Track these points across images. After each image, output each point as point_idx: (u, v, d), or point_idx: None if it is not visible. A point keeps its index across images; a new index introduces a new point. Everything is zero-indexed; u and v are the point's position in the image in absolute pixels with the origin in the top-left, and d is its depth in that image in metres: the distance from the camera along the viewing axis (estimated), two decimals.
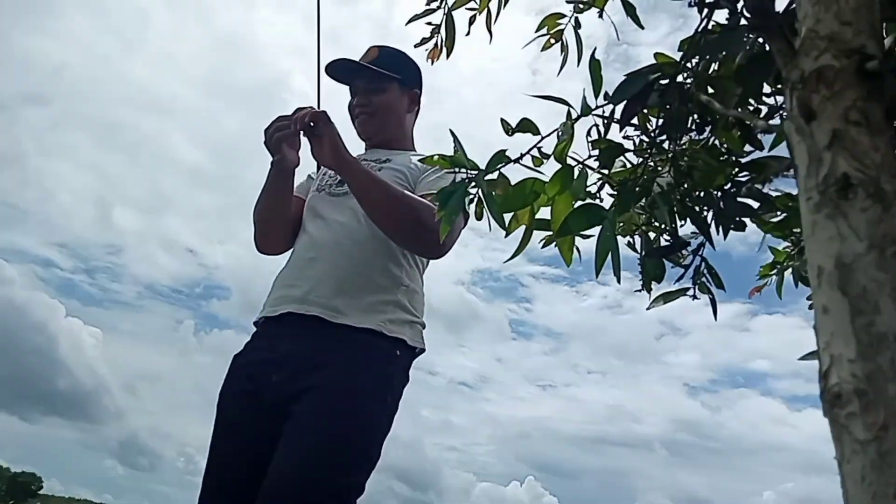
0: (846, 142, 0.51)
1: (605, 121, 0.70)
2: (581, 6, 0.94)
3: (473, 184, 0.69)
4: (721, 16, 0.83)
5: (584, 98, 0.69)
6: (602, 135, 0.71)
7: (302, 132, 1.36)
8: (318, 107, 1.42)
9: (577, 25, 0.95)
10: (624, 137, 0.78)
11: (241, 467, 1.29)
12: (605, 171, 0.70)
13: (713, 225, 0.93)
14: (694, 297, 0.95)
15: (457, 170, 0.70)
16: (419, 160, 1.47)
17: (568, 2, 0.95)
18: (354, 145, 1.61)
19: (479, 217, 0.70)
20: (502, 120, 0.67)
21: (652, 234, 0.90)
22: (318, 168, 1.60)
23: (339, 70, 1.57)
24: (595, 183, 0.80)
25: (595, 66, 0.70)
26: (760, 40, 0.72)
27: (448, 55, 0.95)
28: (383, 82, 1.55)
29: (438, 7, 0.86)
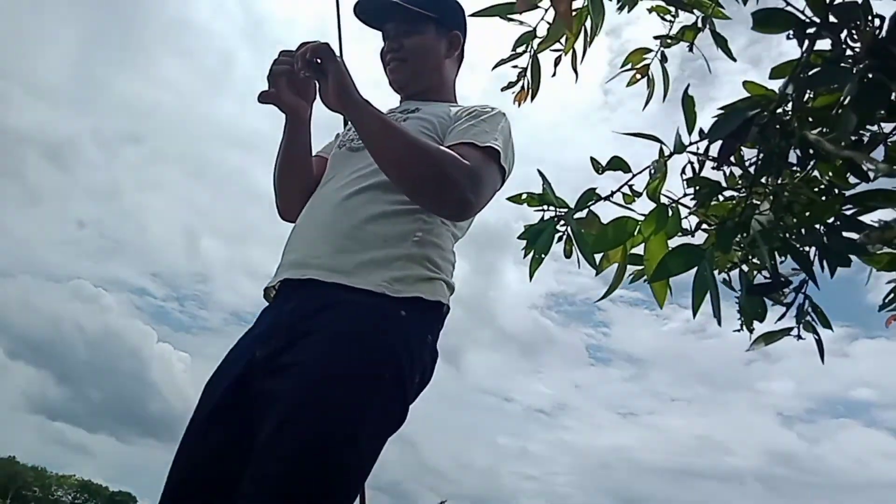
0: None
1: (700, 158, 0.68)
2: (669, 41, 0.93)
3: (562, 221, 0.69)
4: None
5: (678, 135, 0.68)
6: (696, 172, 0.69)
7: (306, 73, 1.15)
8: (341, 53, 1.20)
9: (664, 59, 0.94)
10: (713, 168, 0.76)
11: (209, 464, 1.03)
12: (702, 210, 0.68)
13: (816, 261, 0.88)
14: (798, 337, 0.89)
15: (545, 207, 0.70)
16: (460, 112, 1.24)
17: (655, 38, 0.94)
18: (390, 100, 1.41)
19: (567, 255, 0.70)
20: (592, 159, 0.67)
21: (748, 269, 0.86)
22: (345, 124, 1.41)
23: (368, 10, 1.37)
24: (686, 217, 0.78)
25: (688, 103, 0.68)
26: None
27: (533, 98, 0.95)
28: (417, 23, 1.34)
29: (524, 51, 0.87)
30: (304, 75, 1.16)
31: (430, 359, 1.09)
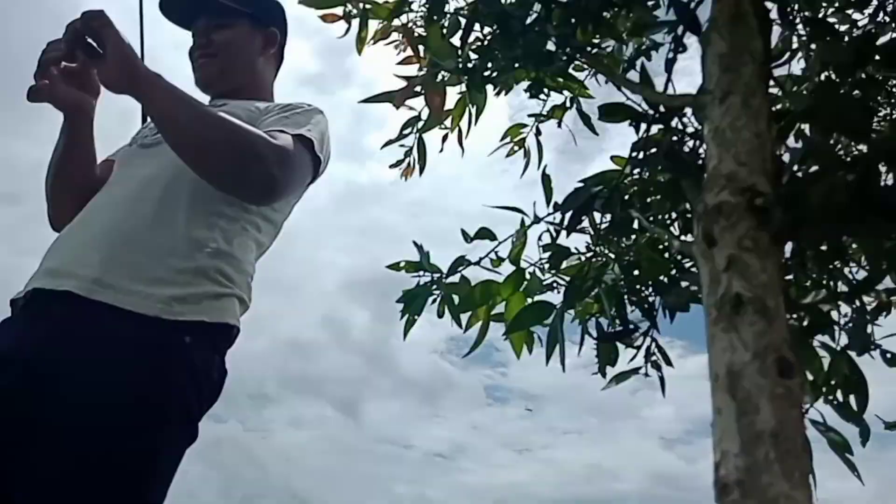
0: (739, 265, 0.62)
1: (556, 227, 0.81)
2: (542, 118, 1.08)
3: (436, 286, 0.79)
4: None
5: (535, 209, 0.80)
6: (553, 239, 0.82)
7: (79, 52, 0.99)
8: (143, 57, 1.04)
9: (538, 133, 1.08)
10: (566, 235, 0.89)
11: None
12: (555, 271, 0.81)
13: (660, 309, 1.03)
14: (646, 374, 1.04)
15: (421, 273, 0.80)
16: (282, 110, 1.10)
17: (530, 115, 1.09)
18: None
19: (440, 315, 0.80)
20: (462, 231, 0.78)
21: (605, 321, 1.00)
22: (143, 121, 1.24)
23: (175, 7, 1.23)
24: (546, 278, 0.91)
25: (546, 181, 0.81)
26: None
27: (421, 173, 1.05)
28: (228, 17, 1.22)
29: (410, 132, 0.98)
30: (79, 56, 1.01)
31: (217, 376, 0.97)
